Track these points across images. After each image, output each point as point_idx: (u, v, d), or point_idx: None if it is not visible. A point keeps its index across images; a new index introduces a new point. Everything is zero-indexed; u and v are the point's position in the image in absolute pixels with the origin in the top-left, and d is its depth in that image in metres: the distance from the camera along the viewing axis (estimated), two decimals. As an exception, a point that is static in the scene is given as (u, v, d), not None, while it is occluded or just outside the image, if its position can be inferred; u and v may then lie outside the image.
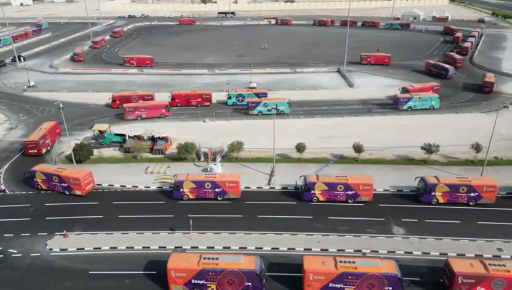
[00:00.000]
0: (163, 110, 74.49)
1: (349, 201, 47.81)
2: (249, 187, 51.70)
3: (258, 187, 51.90)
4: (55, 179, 51.03)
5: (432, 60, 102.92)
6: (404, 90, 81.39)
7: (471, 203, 46.86)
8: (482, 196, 46.59)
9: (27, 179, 52.97)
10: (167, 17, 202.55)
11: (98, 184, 52.84)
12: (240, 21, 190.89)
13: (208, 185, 48.53)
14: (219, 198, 48.94)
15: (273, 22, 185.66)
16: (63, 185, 50.87)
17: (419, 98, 76.24)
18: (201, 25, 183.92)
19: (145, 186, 52.34)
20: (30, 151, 60.49)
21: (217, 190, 48.59)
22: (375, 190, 48.53)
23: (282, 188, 51.41)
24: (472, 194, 46.55)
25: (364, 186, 47.30)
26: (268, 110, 74.88)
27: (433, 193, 46.88)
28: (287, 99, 76.25)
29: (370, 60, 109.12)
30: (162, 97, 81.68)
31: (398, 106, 76.31)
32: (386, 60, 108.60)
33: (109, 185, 52.86)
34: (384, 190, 50.45)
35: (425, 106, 76.30)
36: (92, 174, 51.73)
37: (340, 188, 47.39)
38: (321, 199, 48.05)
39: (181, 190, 48.65)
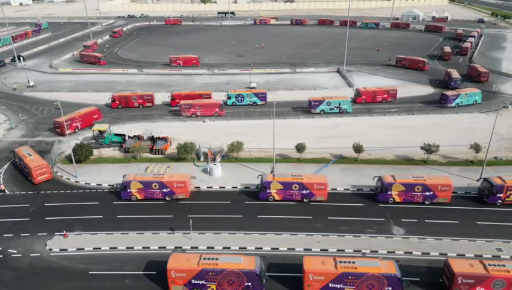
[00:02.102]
0: (217, 109, 74.73)
1: (305, 200, 48.11)
2: (248, 187, 51.74)
3: (257, 187, 51.84)
4: (22, 163, 54.80)
5: (450, 68, 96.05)
6: (357, 91, 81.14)
7: (426, 203, 47.24)
8: (436, 195, 46.93)
9: (12, 158, 58.95)
10: (166, 17, 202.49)
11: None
12: (239, 21, 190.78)
13: (155, 186, 48.51)
14: (167, 198, 49.00)
15: (273, 21, 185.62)
16: (25, 170, 54.40)
17: (466, 94, 77.15)
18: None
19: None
20: (56, 130, 67.66)
21: (164, 190, 48.58)
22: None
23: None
24: (427, 193, 46.88)
25: (319, 186, 47.55)
26: (331, 108, 74.73)
27: (389, 192, 47.18)
28: (349, 97, 76.29)
29: (405, 63, 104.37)
30: (162, 97, 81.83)
31: (447, 103, 76.55)
32: (420, 64, 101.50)
33: (109, 185, 52.96)
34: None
35: (470, 102, 77.41)
36: (47, 166, 54.06)
37: (295, 187, 47.64)
38: (277, 198, 48.33)
39: (128, 190, 48.69)
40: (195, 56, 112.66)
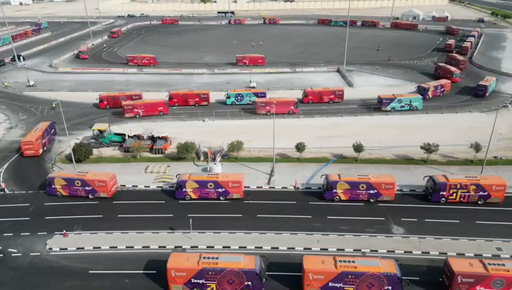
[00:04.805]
0: (292, 107, 74.60)
1: (221, 198, 48.44)
2: (248, 187, 51.68)
3: (257, 187, 51.91)
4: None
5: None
6: (304, 92, 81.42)
7: (371, 200, 47.56)
8: (381, 193, 47.23)
9: None
10: (166, 16, 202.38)
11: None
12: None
13: (77, 183, 49.16)
14: (90, 196, 49.51)
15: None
16: None
17: (492, 82, 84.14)
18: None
19: (145, 186, 52.35)
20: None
21: (86, 188, 49.22)
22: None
23: (282, 187, 51.43)
24: (371, 191, 47.26)
25: (234, 184, 47.91)
26: (402, 106, 75.12)
27: (335, 190, 47.50)
28: (419, 95, 77.32)
29: (440, 72, 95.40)
30: (162, 97, 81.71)
31: (485, 93, 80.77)
32: (448, 74, 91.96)
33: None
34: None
35: (492, 90, 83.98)
36: (35, 144, 59.35)
37: (211, 185, 48.03)
38: (193, 196, 48.78)
39: (53, 186, 49.58)
40: (261, 55, 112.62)
